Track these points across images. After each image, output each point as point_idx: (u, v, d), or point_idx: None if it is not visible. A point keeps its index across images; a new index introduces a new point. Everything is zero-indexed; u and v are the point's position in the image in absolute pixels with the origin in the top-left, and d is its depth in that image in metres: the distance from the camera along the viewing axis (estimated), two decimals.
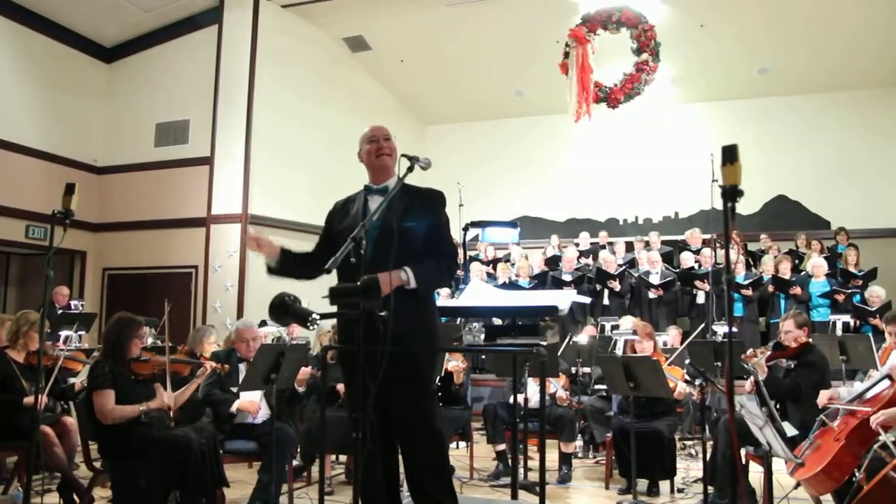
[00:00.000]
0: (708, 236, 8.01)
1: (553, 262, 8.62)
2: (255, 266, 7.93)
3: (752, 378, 3.56)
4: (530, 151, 10.96)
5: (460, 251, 6.84)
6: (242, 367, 3.85)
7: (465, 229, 6.98)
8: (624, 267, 8.03)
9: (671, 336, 6.15)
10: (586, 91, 7.81)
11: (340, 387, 4.34)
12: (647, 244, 8.76)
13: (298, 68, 8.87)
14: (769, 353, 3.66)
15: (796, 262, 7.97)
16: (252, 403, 3.76)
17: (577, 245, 9.25)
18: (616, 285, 7.71)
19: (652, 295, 7.66)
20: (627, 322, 6.07)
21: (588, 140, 10.39)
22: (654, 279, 7.67)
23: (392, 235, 2.22)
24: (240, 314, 7.68)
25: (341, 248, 1.97)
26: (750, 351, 3.71)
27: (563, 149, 10.78)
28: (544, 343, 2.51)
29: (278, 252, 2.47)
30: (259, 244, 2.45)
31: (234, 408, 3.75)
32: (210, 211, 8.25)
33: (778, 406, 3.53)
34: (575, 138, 10.38)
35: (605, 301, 7.84)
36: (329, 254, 2.00)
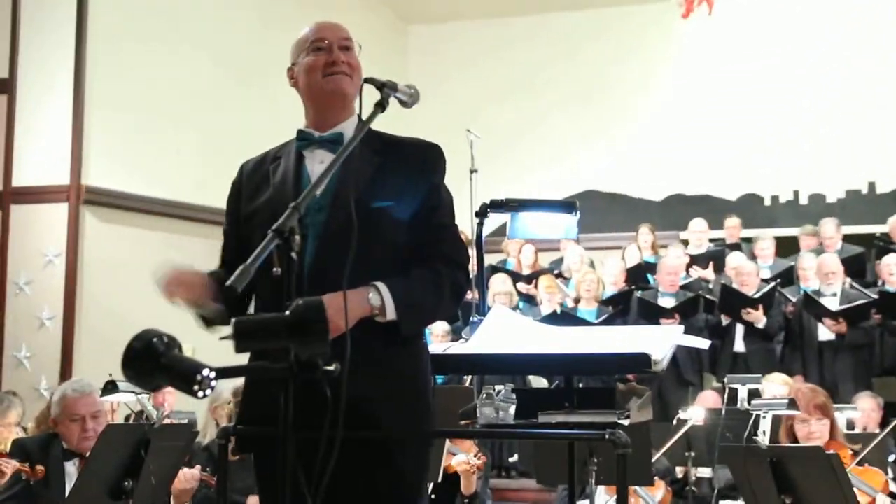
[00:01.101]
0: None
1: (640, 273, 8.68)
2: (96, 277, 7.90)
3: None
4: (597, 74, 10.98)
5: (472, 253, 6.84)
6: (71, 468, 3.99)
7: (482, 214, 6.94)
8: (773, 283, 8.06)
9: (863, 411, 6.21)
10: None
11: (253, 502, 4.35)
12: (819, 242, 8.78)
13: None
14: None
15: None
16: None
17: (684, 244, 9.31)
18: (759, 316, 7.75)
19: (826, 335, 7.69)
20: (778, 384, 6.08)
21: (705, 53, 10.40)
22: (831, 304, 7.69)
23: (350, 224, 2.24)
24: (66, 372, 7.67)
25: (258, 246, 1.96)
26: None
27: (659, 70, 10.82)
28: (626, 422, 2.50)
29: (208, 287, 2.42)
30: (180, 285, 2.38)
31: None
32: (9, 179, 8.25)
33: None
34: (681, 50, 10.37)
35: (738, 346, 7.91)
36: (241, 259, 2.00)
